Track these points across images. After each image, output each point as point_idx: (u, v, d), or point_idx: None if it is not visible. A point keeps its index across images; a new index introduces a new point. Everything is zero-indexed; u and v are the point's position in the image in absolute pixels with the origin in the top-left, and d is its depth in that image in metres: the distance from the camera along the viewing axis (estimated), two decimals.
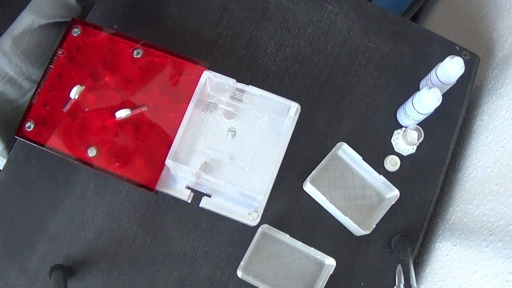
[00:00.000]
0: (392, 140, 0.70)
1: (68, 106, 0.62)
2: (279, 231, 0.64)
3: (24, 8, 0.64)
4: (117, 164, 0.60)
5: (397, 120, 0.71)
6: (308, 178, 0.65)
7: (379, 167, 0.68)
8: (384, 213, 0.64)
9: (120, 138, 0.61)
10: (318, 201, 0.67)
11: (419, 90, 0.72)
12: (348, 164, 0.68)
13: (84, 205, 0.66)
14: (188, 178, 0.61)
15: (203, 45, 0.73)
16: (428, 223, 0.69)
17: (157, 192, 0.61)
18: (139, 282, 0.64)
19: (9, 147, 0.76)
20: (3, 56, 0.66)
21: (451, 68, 0.63)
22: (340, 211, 0.64)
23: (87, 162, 0.60)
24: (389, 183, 0.65)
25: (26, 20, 0.66)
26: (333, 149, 0.67)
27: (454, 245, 0.62)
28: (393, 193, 0.65)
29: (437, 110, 0.64)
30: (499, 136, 0.64)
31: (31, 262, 0.64)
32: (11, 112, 0.75)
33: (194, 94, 0.60)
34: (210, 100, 0.64)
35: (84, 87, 0.63)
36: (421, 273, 0.68)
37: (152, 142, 0.61)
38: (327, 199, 0.64)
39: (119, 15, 0.73)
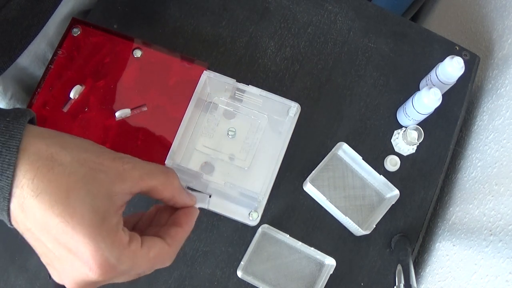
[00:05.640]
0: (392, 140, 0.70)
1: (68, 106, 0.62)
2: (279, 231, 0.64)
3: None
4: None
5: (397, 120, 0.71)
6: (308, 178, 0.65)
7: (379, 167, 0.68)
8: (384, 213, 0.64)
9: (120, 138, 0.61)
10: (318, 201, 0.67)
11: (419, 90, 0.72)
12: (348, 164, 0.68)
13: None
14: (188, 178, 0.61)
15: (203, 45, 0.73)
16: (428, 223, 0.69)
17: None
18: (139, 282, 0.64)
19: None
20: (48, 45, 0.67)
21: (451, 68, 0.63)
22: (340, 211, 0.64)
23: None
24: (389, 183, 0.65)
25: (68, 5, 0.67)
26: (333, 149, 0.67)
27: (454, 245, 0.62)
28: (393, 193, 0.65)
29: (437, 110, 0.64)
30: (499, 136, 0.64)
31: (31, 262, 0.64)
32: None
33: (194, 94, 0.60)
34: (210, 100, 0.64)
35: (84, 87, 0.63)
36: (421, 273, 0.68)
37: (152, 142, 0.61)
38: (327, 199, 0.64)
39: (119, 15, 0.73)
